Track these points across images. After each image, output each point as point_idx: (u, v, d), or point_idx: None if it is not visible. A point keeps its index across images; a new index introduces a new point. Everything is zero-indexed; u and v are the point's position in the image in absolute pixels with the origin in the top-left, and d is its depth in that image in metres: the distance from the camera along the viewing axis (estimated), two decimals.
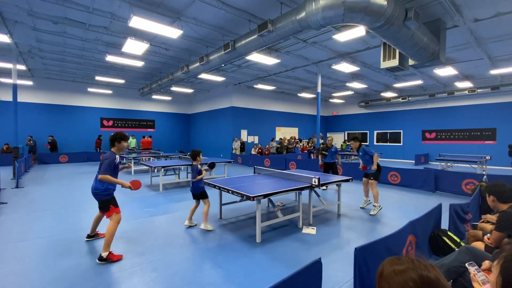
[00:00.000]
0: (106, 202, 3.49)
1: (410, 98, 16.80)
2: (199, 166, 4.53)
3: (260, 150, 16.16)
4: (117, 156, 3.63)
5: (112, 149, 3.65)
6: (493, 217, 3.06)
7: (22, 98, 14.19)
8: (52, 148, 14.76)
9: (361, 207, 5.82)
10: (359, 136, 20.06)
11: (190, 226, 4.52)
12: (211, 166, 4.91)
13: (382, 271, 0.99)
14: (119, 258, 3.30)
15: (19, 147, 10.20)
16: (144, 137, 17.22)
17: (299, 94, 18.67)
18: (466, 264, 1.69)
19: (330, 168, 7.58)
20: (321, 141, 18.27)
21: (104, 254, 3.21)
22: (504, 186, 2.62)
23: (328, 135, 23.16)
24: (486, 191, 2.71)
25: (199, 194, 4.47)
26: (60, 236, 4.05)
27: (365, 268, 2.05)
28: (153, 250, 3.55)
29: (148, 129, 19.39)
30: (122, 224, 4.59)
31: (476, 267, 1.65)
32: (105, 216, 3.64)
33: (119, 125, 18.08)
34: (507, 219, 2.36)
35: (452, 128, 15.79)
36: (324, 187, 7.49)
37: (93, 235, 3.98)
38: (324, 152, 7.68)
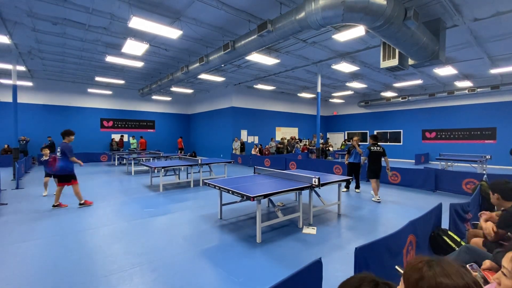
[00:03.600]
0: (70, 176, 5.62)
1: (410, 98, 16.79)
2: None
3: (260, 149, 16.15)
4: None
5: (64, 140, 5.60)
6: (490, 214, 3.06)
7: (22, 99, 14.20)
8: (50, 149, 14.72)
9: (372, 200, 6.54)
10: (359, 136, 20.06)
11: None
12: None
13: (422, 276, 0.84)
14: (91, 203, 5.89)
15: (18, 148, 10.20)
16: (141, 137, 17.52)
17: (299, 94, 18.67)
18: (468, 266, 1.68)
19: (353, 168, 7.50)
20: (321, 141, 18.26)
21: (82, 202, 5.77)
22: (508, 183, 2.60)
23: (328, 135, 23.16)
24: (490, 188, 2.70)
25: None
26: (60, 237, 4.05)
27: (366, 268, 2.04)
28: (153, 251, 3.55)
29: (148, 130, 19.40)
30: (122, 224, 4.61)
31: (477, 267, 1.65)
32: (61, 187, 5.67)
33: (119, 125, 18.07)
34: (510, 218, 2.36)
35: (452, 128, 15.78)
36: (357, 190, 7.50)
37: (57, 205, 5.66)
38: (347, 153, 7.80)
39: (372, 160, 6.47)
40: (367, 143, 20.12)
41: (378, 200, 6.33)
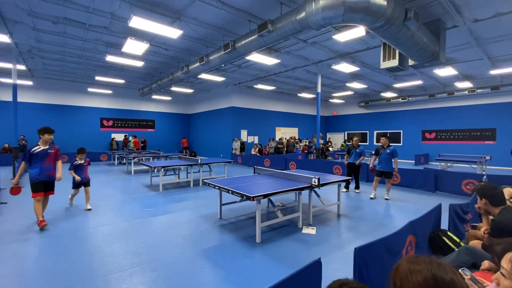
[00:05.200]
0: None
1: (410, 98, 16.80)
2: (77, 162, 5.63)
3: (260, 149, 16.15)
4: (38, 147, 4.38)
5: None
6: (475, 232, 3.10)
7: (22, 98, 14.19)
8: None
9: (371, 198, 6.71)
10: (360, 136, 20.08)
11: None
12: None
13: (398, 267, 0.97)
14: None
15: (18, 147, 10.20)
16: (134, 137, 17.68)
17: (299, 94, 18.67)
18: (460, 270, 1.66)
19: (353, 169, 7.48)
20: (321, 141, 18.26)
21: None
22: (496, 189, 2.62)
23: (328, 135, 23.17)
24: (478, 194, 2.70)
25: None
26: (59, 236, 4.05)
27: (365, 268, 2.05)
28: (153, 250, 3.55)
29: (148, 129, 19.41)
30: (122, 224, 4.61)
31: (469, 272, 1.64)
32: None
33: (119, 125, 18.07)
34: (497, 227, 2.41)
35: (452, 128, 15.79)
36: (357, 190, 7.47)
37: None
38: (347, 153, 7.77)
39: None
40: (367, 143, 20.21)
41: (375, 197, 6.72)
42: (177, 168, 8.88)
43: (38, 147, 4.39)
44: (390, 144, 6.80)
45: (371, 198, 6.64)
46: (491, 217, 2.78)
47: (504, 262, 1.22)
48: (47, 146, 4.47)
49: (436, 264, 0.92)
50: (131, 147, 16.85)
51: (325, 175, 5.80)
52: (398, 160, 6.73)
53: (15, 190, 4.44)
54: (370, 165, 7.16)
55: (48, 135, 4.44)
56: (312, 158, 15.30)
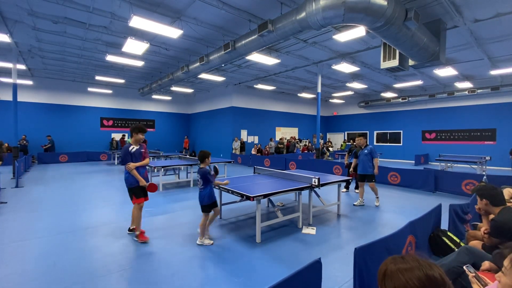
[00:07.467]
0: (128, 191, 3.98)
1: (410, 99, 16.80)
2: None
3: (259, 149, 16.15)
4: (133, 146, 3.97)
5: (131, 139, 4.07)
6: (475, 233, 3.11)
7: (22, 97, 14.18)
8: (48, 149, 14.66)
9: (354, 204, 6.06)
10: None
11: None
12: (215, 171, 3.98)
13: (386, 270, 0.96)
14: (146, 239, 3.87)
15: (18, 147, 10.20)
16: None
17: (299, 94, 18.67)
18: (464, 267, 1.69)
19: (353, 169, 7.24)
20: (321, 141, 18.25)
21: (137, 232, 3.88)
22: (496, 189, 2.64)
23: (328, 135, 23.16)
24: (478, 195, 2.70)
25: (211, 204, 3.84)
26: (60, 235, 4.05)
27: (365, 268, 2.05)
28: (153, 250, 3.55)
29: (148, 129, 19.38)
30: (122, 224, 4.60)
31: (473, 269, 1.65)
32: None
33: (119, 125, 18.07)
34: (497, 227, 2.42)
35: (452, 129, 15.79)
36: (357, 190, 7.30)
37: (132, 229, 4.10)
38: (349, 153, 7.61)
39: None
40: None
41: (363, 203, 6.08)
42: (177, 168, 8.88)
43: (132, 146, 3.96)
44: (368, 143, 6.17)
45: (354, 205, 5.99)
46: (491, 217, 2.79)
47: (506, 261, 1.25)
48: (138, 146, 4.05)
49: (425, 262, 0.93)
50: None
51: (325, 175, 5.80)
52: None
53: (152, 186, 3.90)
54: (350, 168, 6.57)
55: (142, 134, 4.06)
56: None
